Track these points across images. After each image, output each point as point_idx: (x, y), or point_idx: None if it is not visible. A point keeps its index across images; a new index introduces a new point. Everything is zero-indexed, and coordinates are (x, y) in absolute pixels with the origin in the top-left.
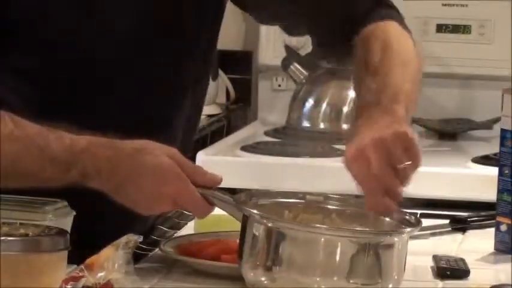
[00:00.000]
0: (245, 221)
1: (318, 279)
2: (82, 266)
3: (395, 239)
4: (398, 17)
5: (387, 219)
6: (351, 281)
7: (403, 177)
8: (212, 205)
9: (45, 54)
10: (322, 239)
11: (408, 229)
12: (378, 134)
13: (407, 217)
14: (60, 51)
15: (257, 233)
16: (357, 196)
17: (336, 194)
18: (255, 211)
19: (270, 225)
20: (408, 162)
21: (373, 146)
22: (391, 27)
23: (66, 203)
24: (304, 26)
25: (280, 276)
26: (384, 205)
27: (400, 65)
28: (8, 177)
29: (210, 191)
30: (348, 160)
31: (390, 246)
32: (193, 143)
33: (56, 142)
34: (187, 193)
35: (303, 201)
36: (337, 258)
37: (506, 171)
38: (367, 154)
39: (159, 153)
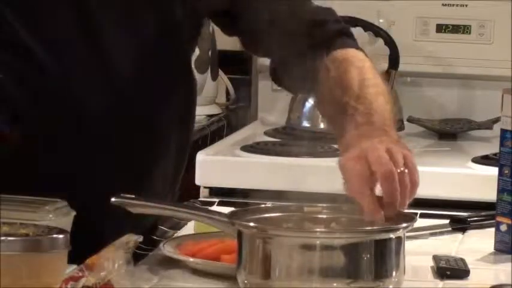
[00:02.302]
0: (240, 236)
1: (317, 285)
2: (82, 266)
3: (391, 235)
4: (359, 48)
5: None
6: (352, 286)
7: (401, 194)
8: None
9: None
10: (318, 242)
11: (404, 225)
12: (384, 145)
13: (401, 217)
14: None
15: (252, 245)
16: (349, 202)
17: (328, 203)
18: (249, 224)
19: (262, 235)
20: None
21: (379, 153)
22: (360, 55)
23: (66, 203)
24: (266, 43)
25: (277, 285)
26: (378, 210)
27: (381, 94)
28: None
29: (206, 210)
30: (348, 160)
31: (387, 244)
32: (189, 145)
33: None
34: None
35: (295, 213)
36: (334, 261)
37: (506, 171)
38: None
39: None
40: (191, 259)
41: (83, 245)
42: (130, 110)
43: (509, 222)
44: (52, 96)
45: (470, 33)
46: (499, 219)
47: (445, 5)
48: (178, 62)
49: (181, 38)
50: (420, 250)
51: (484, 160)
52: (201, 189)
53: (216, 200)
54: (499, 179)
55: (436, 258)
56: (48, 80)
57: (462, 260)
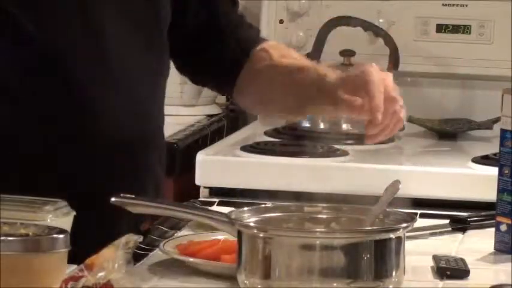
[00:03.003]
0: (240, 236)
1: (317, 285)
2: (82, 266)
3: (391, 235)
4: None
5: (379, 219)
6: (352, 286)
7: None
8: None
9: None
10: (318, 242)
11: (404, 225)
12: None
13: (401, 217)
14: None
15: (252, 245)
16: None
17: (328, 203)
18: (249, 224)
19: (262, 235)
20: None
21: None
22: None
23: (66, 203)
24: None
25: (277, 285)
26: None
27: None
28: None
29: (206, 210)
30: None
31: (387, 244)
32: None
33: None
34: None
35: (295, 213)
36: (334, 261)
37: (506, 171)
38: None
39: None
40: (191, 259)
41: (83, 245)
42: (130, 110)
43: (509, 222)
44: (52, 96)
45: (470, 33)
46: (499, 219)
47: (445, 5)
48: (167, 52)
49: (167, 28)
50: (420, 250)
51: (484, 160)
52: (201, 189)
53: (216, 200)
54: (499, 179)
55: (436, 258)
56: (49, 80)
57: (462, 260)
